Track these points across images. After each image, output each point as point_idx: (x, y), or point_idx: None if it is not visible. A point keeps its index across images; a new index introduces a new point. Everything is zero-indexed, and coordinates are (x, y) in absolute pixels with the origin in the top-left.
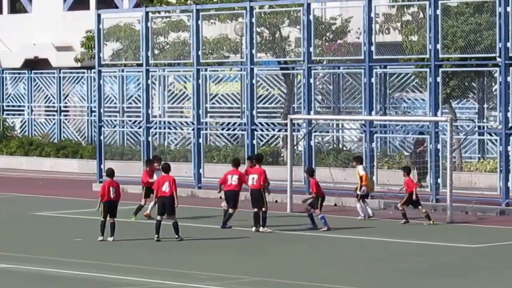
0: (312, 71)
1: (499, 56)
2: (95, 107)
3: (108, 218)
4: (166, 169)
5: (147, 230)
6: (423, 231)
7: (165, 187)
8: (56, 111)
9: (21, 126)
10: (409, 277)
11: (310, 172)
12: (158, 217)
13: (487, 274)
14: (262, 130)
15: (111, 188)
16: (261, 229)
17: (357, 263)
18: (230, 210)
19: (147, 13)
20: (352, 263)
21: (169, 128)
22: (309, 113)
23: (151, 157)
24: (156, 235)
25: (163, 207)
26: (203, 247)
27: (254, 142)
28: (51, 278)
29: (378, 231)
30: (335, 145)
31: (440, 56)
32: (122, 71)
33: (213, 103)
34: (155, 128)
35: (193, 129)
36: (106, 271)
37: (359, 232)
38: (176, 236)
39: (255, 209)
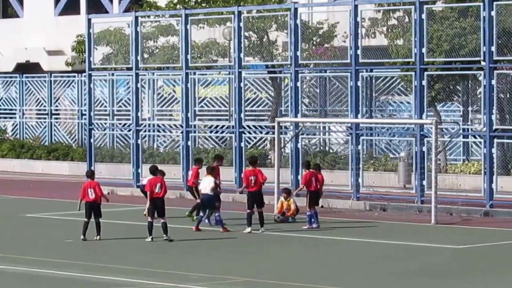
0: (299, 75)
1: (484, 60)
2: (85, 110)
3: (92, 219)
4: (155, 171)
5: (137, 231)
6: (408, 232)
7: (158, 189)
8: (47, 114)
9: (12, 129)
10: (395, 278)
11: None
12: (149, 218)
13: (471, 275)
14: (250, 132)
15: (89, 190)
16: (261, 230)
17: (345, 264)
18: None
19: (136, 17)
20: (340, 264)
21: (158, 131)
22: (296, 116)
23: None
24: (151, 236)
25: (155, 209)
26: (192, 248)
27: (242, 144)
28: (42, 279)
29: (364, 232)
30: (321, 148)
31: (425, 59)
32: (112, 74)
33: (202, 106)
34: (145, 131)
35: (182, 132)
36: (96, 271)
37: (346, 233)
38: (165, 237)
39: (249, 210)
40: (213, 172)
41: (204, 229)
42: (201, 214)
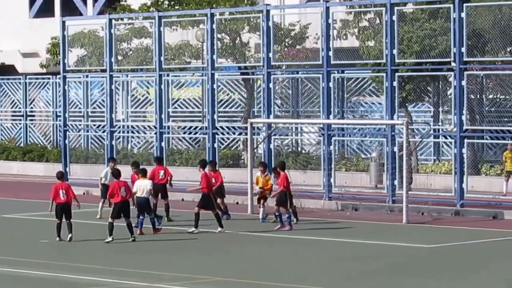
0: (272, 76)
1: (454, 61)
2: (60, 112)
3: (64, 220)
4: (118, 175)
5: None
6: (380, 232)
7: (123, 192)
8: (22, 116)
9: None
10: (366, 277)
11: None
12: (110, 219)
13: (442, 274)
14: (223, 133)
15: (60, 191)
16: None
17: (316, 263)
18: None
19: (110, 20)
20: (312, 263)
21: (132, 132)
22: (268, 117)
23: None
24: (111, 237)
25: (121, 211)
26: (164, 248)
27: (215, 145)
28: (18, 279)
29: (336, 232)
30: (294, 148)
31: (396, 61)
32: (87, 76)
33: (175, 108)
34: (119, 132)
35: (155, 133)
36: (72, 271)
37: (318, 233)
38: (132, 237)
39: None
40: (146, 174)
41: (178, 230)
42: (141, 217)
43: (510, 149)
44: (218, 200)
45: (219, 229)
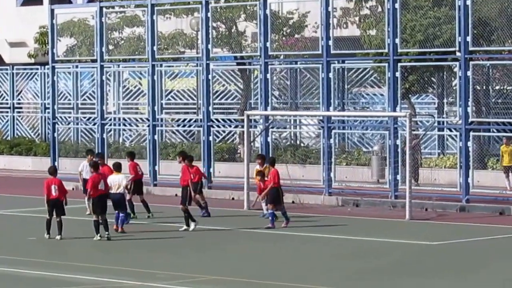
0: (269, 66)
1: (459, 50)
2: (49, 103)
3: (54, 217)
4: (97, 167)
5: (101, 228)
6: (382, 228)
7: (102, 186)
8: (9, 108)
9: None
10: (367, 276)
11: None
12: (95, 217)
13: (446, 273)
14: (218, 126)
15: (52, 187)
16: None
17: (317, 261)
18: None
19: (101, 8)
20: (312, 261)
21: (124, 125)
22: (266, 109)
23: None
24: (99, 235)
25: (101, 206)
26: (157, 246)
27: (211, 138)
28: (4, 277)
29: (336, 229)
30: (292, 141)
31: (399, 50)
32: (76, 67)
33: (169, 99)
34: (110, 125)
35: (148, 126)
36: (61, 270)
37: (318, 229)
38: (107, 234)
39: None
40: (120, 168)
41: (170, 226)
42: (121, 214)
43: (506, 143)
44: (197, 196)
45: (184, 227)
